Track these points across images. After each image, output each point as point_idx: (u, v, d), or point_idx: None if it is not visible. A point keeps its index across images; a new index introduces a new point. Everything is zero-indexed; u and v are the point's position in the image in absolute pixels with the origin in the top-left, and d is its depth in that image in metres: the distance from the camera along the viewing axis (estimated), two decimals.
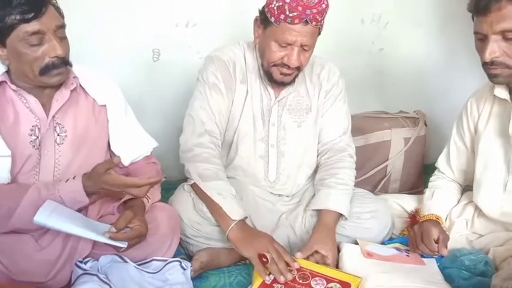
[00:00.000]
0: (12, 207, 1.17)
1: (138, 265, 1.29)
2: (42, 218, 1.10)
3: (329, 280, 1.24)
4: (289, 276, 1.24)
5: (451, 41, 2.33)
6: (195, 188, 1.44)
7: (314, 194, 1.53)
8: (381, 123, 2.00)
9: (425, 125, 2.07)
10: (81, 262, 1.26)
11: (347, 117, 1.61)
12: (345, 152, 1.56)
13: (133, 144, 1.43)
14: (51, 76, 1.21)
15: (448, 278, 1.30)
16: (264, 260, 1.24)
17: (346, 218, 1.45)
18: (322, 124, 1.58)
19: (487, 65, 1.23)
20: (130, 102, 1.49)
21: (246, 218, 1.38)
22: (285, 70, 1.41)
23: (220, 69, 1.49)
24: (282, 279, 1.23)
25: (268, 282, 1.24)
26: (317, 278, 1.25)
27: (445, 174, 1.57)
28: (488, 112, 1.41)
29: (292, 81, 1.49)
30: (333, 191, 1.47)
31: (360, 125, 1.91)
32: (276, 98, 1.53)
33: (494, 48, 1.19)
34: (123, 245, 1.20)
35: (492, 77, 1.25)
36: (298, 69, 1.43)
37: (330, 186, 1.48)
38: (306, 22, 1.33)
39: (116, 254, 1.28)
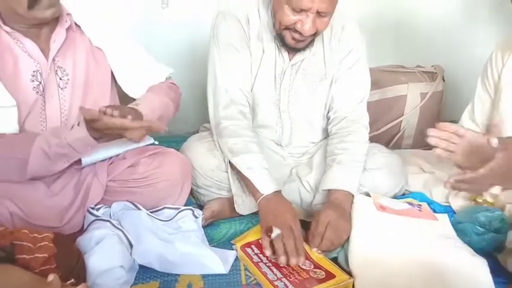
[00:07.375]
0: (24, 157, 1.13)
1: (150, 213, 1.29)
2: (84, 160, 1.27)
3: (317, 266, 1.17)
4: (293, 261, 1.14)
5: None
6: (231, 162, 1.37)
7: (325, 156, 1.45)
8: (398, 77, 1.94)
9: (443, 80, 2.02)
10: (93, 208, 1.26)
11: (365, 85, 1.48)
12: (359, 124, 1.45)
13: (144, 79, 1.38)
14: (43, 8, 1.13)
15: (461, 233, 1.29)
16: (269, 233, 1.16)
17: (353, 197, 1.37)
18: (337, 91, 1.45)
19: None
20: None
21: (279, 191, 1.30)
22: (297, 36, 1.29)
23: (232, 25, 1.36)
24: (282, 260, 1.15)
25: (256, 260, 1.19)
26: (306, 261, 1.18)
27: None
28: None
29: (307, 47, 1.37)
30: (344, 168, 1.36)
31: (376, 79, 1.85)
32: (289, 61, 1.41)
33: None
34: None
35: None
36: (314, 35, 1.30)
37: (341, 163, 1.37)
38: None
39: (128, 201, 1.28)
